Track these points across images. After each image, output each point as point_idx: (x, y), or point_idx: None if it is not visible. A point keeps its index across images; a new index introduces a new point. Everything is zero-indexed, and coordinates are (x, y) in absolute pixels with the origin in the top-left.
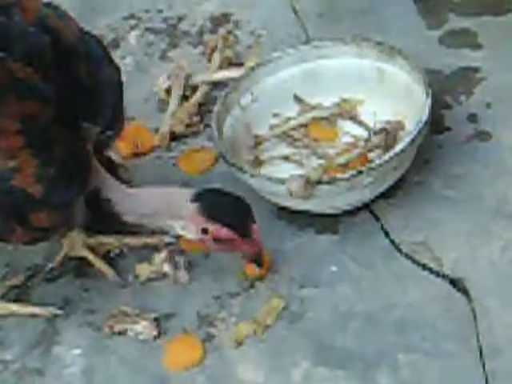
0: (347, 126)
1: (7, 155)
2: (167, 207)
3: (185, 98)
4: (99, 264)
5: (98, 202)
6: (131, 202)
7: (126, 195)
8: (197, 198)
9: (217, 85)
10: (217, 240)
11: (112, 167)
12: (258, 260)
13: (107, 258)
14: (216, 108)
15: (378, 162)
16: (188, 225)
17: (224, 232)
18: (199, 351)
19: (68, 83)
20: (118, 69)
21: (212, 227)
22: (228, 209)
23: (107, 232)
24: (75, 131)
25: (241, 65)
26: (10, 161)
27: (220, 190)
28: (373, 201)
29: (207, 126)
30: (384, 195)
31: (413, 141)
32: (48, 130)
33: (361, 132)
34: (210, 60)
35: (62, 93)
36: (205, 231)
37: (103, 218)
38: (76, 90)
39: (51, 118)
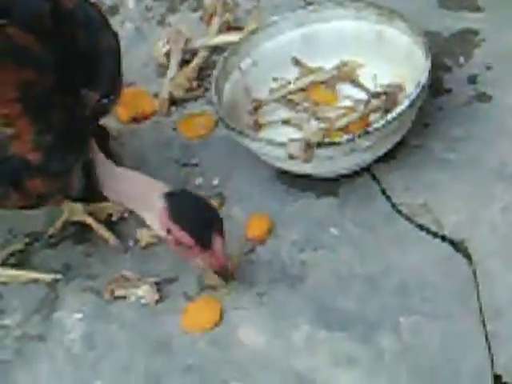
0: (347, 89)
1: (4, 122)
2: (141, 196)
3: (184, 62)
4: (100, 229)
5: (89, 173)
6: (112, 179)
7: (109, 172)
8: (168, 197)
9: (216, 49)
10: (178, 243)
11: (105, 138)
12: (220, 273)
13: (108, 223)
14: (215, 72)
15: (377, 124)
16: (155, 219)
17: (183, 237)
18: (217, 315)
19: (67, 50)
20: (116, 35)
21: (174, 229)
22: (193, 216)
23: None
24: (74, 98)
25: (240, 29)
26: (8, 128)
27: (195, 195)
28: (373, 164)
29: (207, 90)
30: (384, 158)
31: (412, 103)
32: (46, 97)
33: (360, 95)
34: (209, 24)
35: (61, 59)
36: (168, 231)
37: (91, 189)
38: (75, 57)
39: (50, 86)
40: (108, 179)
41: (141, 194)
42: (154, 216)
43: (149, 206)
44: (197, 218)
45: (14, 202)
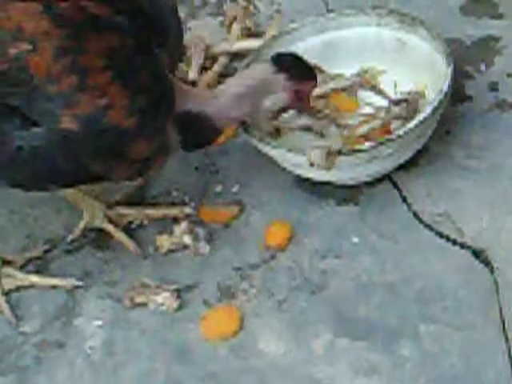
0: (368, 96)
1: (97, 93)
2: (261, 90)
3: (204, 68)
4: (119, 236)
5: (190, 123)
6: (223, 105)
7: (216, 100)
8: (279, 67)
9: (236, 55)
10: (300, 97)
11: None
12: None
13: (127, 229)
14: None
15: (399, 132)
16: (278, 95)
17: (309, 87)
18: (236, 323)
19: (134, 13)
20: None
21: (300, 87)
22: (304, 67)
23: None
24: (154, 59)
25: (260, 35)
26: (101, 99)
27: (284, 53)
28: (394, 171)
29: None
30: (405, 166)
31: (434, 111)
32: (131, 60)
33: (381, 102)
34: (229, 30)
35: (135, 23)
36: (297, 92)
37: (199, 136)
38: (143, 19)
39: (132, 49)
40: (217, 110)
41: (260, 89)
42: (276, 94)
43: (268, 92)
44: (305, 67)
45: (122, 173)
